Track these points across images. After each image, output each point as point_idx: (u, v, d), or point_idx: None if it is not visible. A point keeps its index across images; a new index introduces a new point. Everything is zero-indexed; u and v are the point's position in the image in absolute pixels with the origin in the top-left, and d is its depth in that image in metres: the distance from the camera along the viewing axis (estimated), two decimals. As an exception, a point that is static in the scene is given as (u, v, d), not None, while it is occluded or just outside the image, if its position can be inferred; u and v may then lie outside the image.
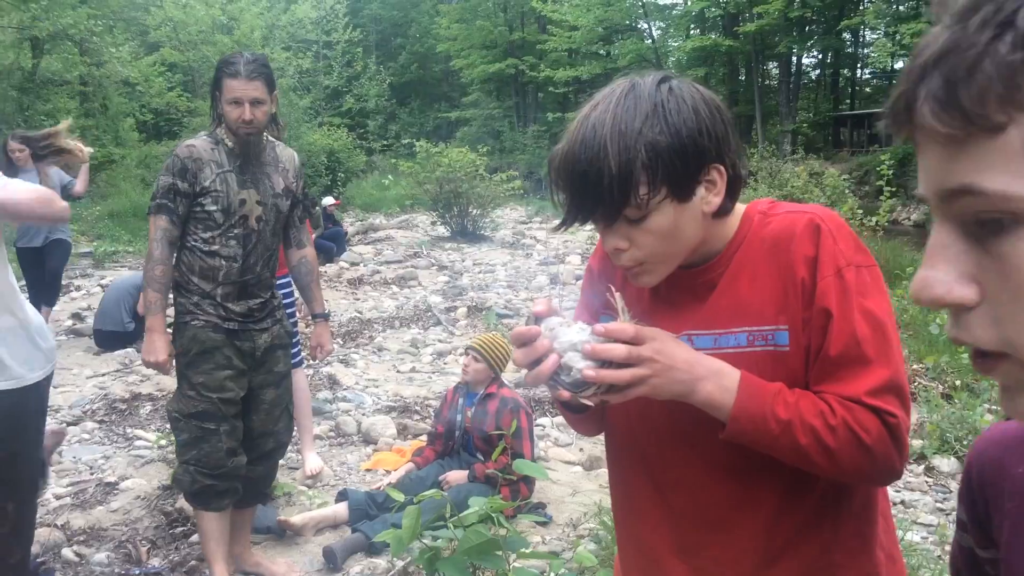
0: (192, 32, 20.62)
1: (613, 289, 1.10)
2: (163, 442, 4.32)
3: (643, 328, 1.03)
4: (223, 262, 2.81)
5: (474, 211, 14.48)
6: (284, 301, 3.24)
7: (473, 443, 3.70)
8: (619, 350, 1.00)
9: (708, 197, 1.07)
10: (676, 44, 37.57)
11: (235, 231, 2.81)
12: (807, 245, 1.07)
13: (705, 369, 1.04)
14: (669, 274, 1.14)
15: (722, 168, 1.07)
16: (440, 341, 6.95)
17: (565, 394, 1.03)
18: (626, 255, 1.09)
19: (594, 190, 1.02)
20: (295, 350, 3.85)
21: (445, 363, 6.26)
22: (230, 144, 2.80)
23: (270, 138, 2.94)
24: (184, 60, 21.50)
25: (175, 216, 2.78)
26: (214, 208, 2.78)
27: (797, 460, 1.04)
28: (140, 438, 4.61)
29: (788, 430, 1.01)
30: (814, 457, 1.03)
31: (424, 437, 4.21)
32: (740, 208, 1.17)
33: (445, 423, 3.79)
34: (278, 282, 3.17)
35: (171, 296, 2.86)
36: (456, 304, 8.38)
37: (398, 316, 7.92)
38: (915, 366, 5.98)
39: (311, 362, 5.33)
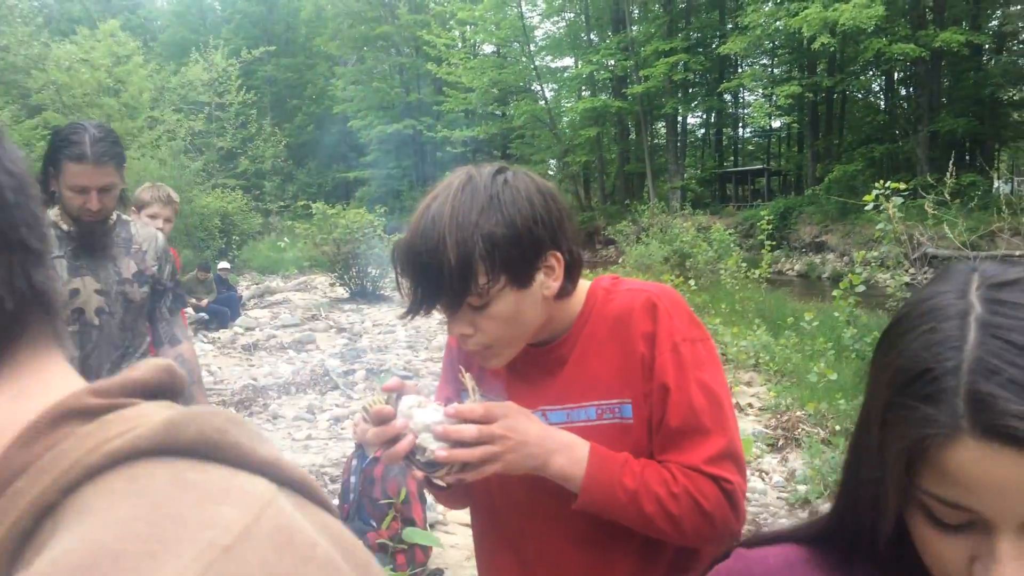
0: (77, 95, 20.00)
1: (463, 369, 1.15)
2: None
3: (493, 406, 1.06)
4: None
5: (373, 271, 14.43)
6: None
7: (366, 510, 3.66)
8: (469, 431, 1.03)
9: (547, 282, 1.11)
10: (568, 104, 38.80)
11: (68, 328, 2.28)
12: (645, 322, 1.14)
13: (556, 443, 1.08)
14: (523, 352, 1.19)
15: (559, 254, 1.11)
16: (338, 406, 6.85)
17: (419, 474, 1.07)
18: (472, 340, 1.12)
19: (436, 280, 1.05)
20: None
21: (342, 428, 6.17)
22: (64, 227, 2.38)
23: (123, 216, 2.58)
24: (67, 123, 20.78)
25: None
26: None
27: (644, 527, 1.09)
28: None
29: (635, 499, 1.06)
30: (659, 523, 1.08)
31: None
32: (585, 285, 1.22)
33: (341, 489, 3.75)
34: None
35: None
36: (355, 367, 8.29)
37: (294, 381, 7.77)
38: (798, 412, 6.25)
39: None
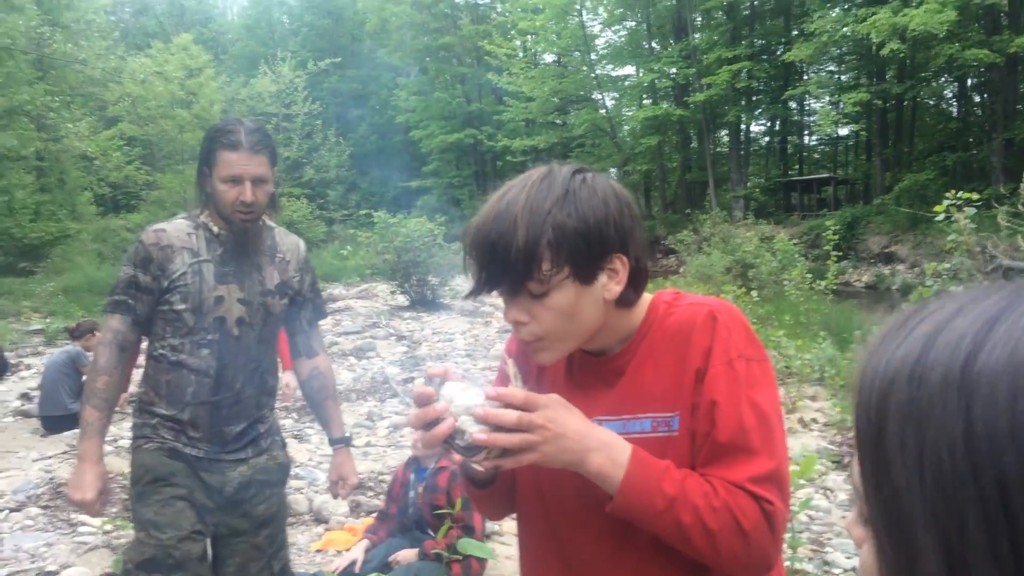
0: (151, 107, 20.73)
1: (506, 357, 1.15)
2: (108, 527, 4.23)
3: (534, 395, 1.06)
4: (192, 376, 2.25)
5: (433, 280, 14.54)
6: None
7: (424, 519, 3.68)
8: (509, 415, 1.03)
9: (609, 285, 1.13)
10: (629, 113, 38.60)
11: (208, 337, 2.25)
12: (704, 336, 1.13)
13: (596, 440, 1.07)
14: (582, 360, 1.20)
15: (625, 259, 1.13)
16: (397, 414, 6.93)
17: (457, 457, 1.06)
18: (525, 329, 1.13)
19: (501, 261, 1.07)
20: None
21: (401, 436, 6.23)
22: (215, 230, 2.30)
23: (268, 223, 2.44)
24: (143, 134, 21.57)
25: (133, 316, 2.27)
26: (183, 307, 2.23)
27: (678, 539, 1.07)
28: (85, 523, 4.51)
29: (673, 507, 1.04)
30: (694, 537, 1.05)
31: (376, 514, 4.18)
32: (647, 298, 1.22)
33: (398, 502, 3.77)
34: None
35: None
36: (414, 375, 8.38)
37: (354, 388, 7.89)
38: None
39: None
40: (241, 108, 24.17)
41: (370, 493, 4.93)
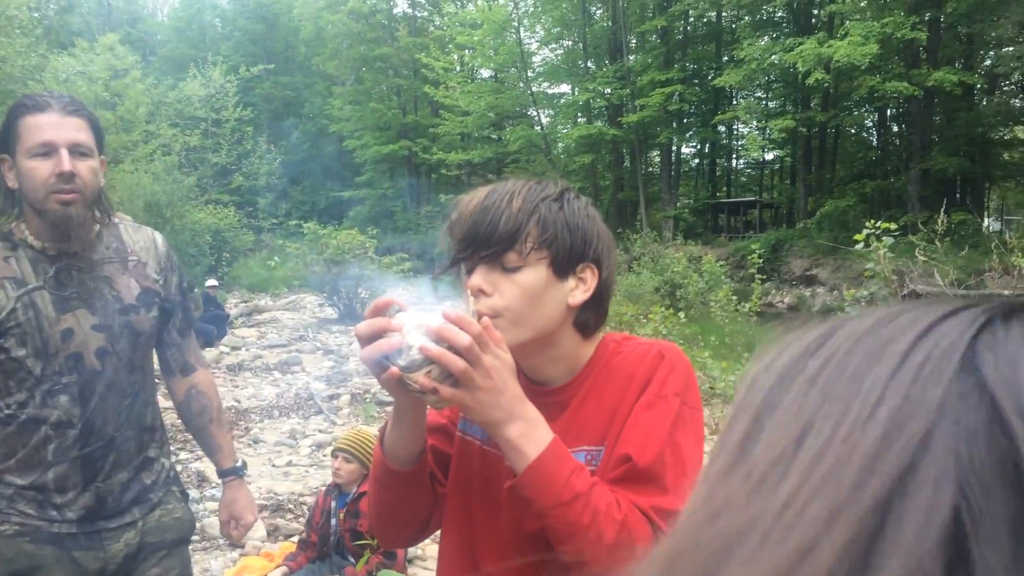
0: (72, 107, 19.99)
1: (469, 294, 1.12)
2: None
3: (490, 334, 1.03)
4: (50, 432, 1.78)
5: (363, 293, 14.38)
6: None
7: (345, 546, 3.60)
8: (463, 337, 0.99)
9: (576, 291, 1.16)
10: (564, 131, 39.00)
11: (63, 380, 1.78)
12: (646, 370, 1.15)
13: (525, 412, 1.05)
14: (528, 390, 1.17)
15: (596, 272, 1.17)
16: (321, 431, 6.78)
17: (395, 371, 1.01)
18: (486, 301, 1.12)
19: (490, 226, 1.11)
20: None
21: (324, 455, 6.10)
22: (37, 244, 1.78)
23: (112, 217, 1.93)
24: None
25: None
26: (21, 352, 1.75)
27: (566, 535, 1.03)
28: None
29: (575, 502, 1.02)
30: (584, 539, 1.02)
31: (295, 539, 4.07)
32: (597, 337, 1.24)
33: (318, 530, 3.68)
34: None
35: None
36: (340, 391, 8.23)
37: (278, 405, 7.70)
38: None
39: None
40: (168, 111, 23.52)
41: (289, 516, 4.80)
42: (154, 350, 2.05)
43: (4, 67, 19.64)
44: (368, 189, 40.27)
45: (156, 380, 2.09)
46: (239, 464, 2.21)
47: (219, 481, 2.18)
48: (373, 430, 6.16)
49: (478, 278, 1.13)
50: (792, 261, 26.89)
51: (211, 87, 26.25)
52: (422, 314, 1.03)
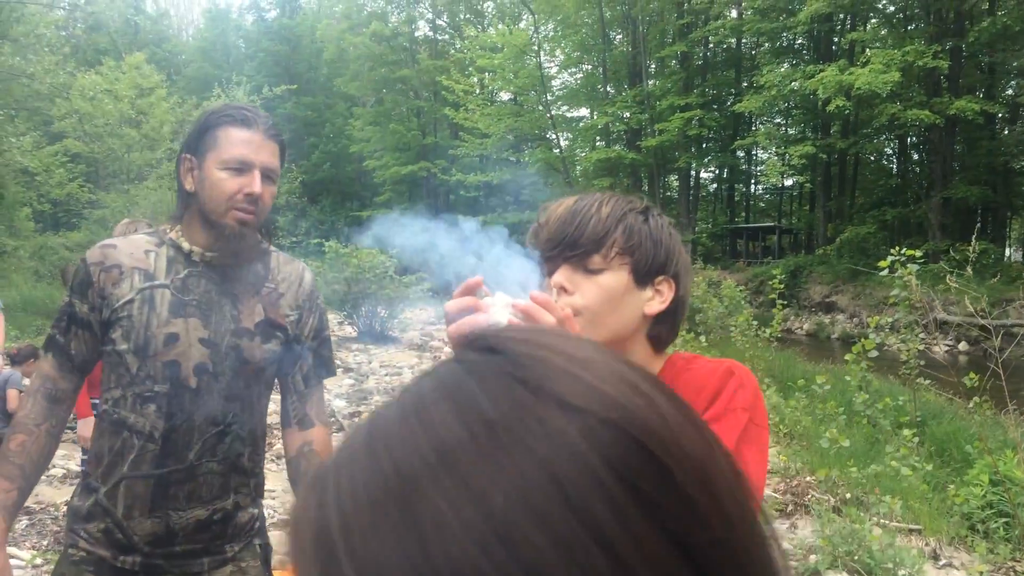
0: (99, 124, 20.32)
1: (552, 288, 1.16)
2: (39, 560, 4.04)
3: (572, 324, 1.05)
4: (134, 440, 1.68)
5: (382, 312, 14.43)
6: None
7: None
8: (549, 318, 1.01)
9: (653, 301, 1.20)
10: (583, 154, 39.13)
11: (155, 388, 1.68)
12: (716, 383, 1.16)
13: None
14: None
15: (674, 285, 1.21)
16: (342, 448, 6.79)
17: None
18: (566, 298, 1.16)
19: (579, 227, 1.17)
20: None
21: (346, 472, 6.11)
22: (187, 248, 1.74)
23: (267, 245, 1.88)
24: (89, 151, 21.12)
25: (65, 357, 1.75)
26: (124, 346, 1.68)
27: None
28: (14, 556, 4.29)
29: None
30: None
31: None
32: (666, 354, 1.26)
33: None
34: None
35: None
36: (360, 409, 8.25)
37: (299, 421, 7.73)
38: (808, 478, 6.17)
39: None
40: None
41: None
42: (274, 392, 1.92)
43: (33, 84, 19.98)
44: (387, 209, 40.50)
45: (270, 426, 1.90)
46: None
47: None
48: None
49: (561, 276, 1.18)
50: (811, 287, 26.76)
51: (234, 106, 26.60)
52: (508, 297, 1.05)
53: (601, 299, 1.16)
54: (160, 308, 1.69)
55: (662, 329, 1.23)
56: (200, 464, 1.72)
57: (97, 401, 2.06)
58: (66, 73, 21.00)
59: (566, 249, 1.17)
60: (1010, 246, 33.49)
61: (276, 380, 1.90)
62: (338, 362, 11.40)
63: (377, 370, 11.03)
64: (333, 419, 7.74)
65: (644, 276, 1.19)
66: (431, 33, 46.32)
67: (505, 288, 1.11)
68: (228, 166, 1.67)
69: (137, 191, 18.44)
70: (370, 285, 13.98)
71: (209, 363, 1.71)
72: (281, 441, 1.94)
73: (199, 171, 1.70)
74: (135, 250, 1.74)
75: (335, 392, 9.19)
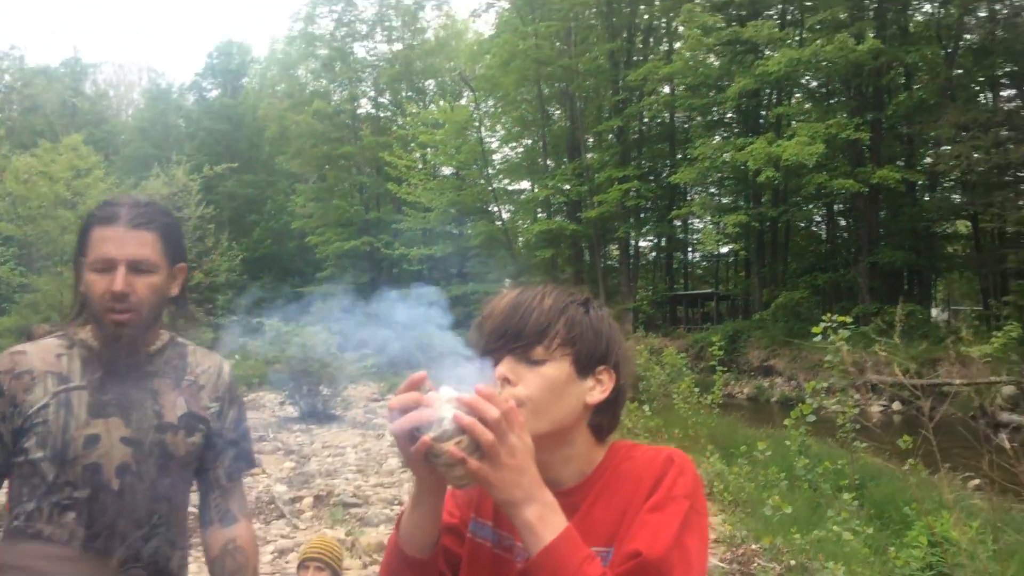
0: (33, 207, 19.94)
1: (498, 378, 1.17)
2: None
3: (515, 419, 1.06)
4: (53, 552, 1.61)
5: (325, 390, 14.22)
6: None
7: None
8: (492, 410, 1.03)
9: (594, 391, 1.22)
10: (525, 226, 39.67)
11: (74, 494, 1.61)
12: (656, 471, 1.18)
13: (543, 496, 1.08)
14: None
15: (615, 376, 1.24)
16: (283, 536, 6.60)
17: (426, 440, 1.03)
18: (510, 390, 1.17)
19: (521, 320, 1.20)
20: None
21: (287, 562, 5.93)
22: (92, 344, 1.71)
23: (178, 339, 1.85)
24: (21, 234, 20.65)
25: None
26: (39, 454, 1.62)
27: None
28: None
29: None
30: None
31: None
32: (608, 443, 1.29)
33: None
34: None
35: None
36: (302, 493, 8.05)
37: (239, 508, 7.50)
38: (753, 546, 6.21)
39: None
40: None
41: (252, 625, 4.63)
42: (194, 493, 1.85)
43: (-36, 167, 19.61)
44: (330, 285, 40.24)
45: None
46: None
47: None
48: (340, 534, 6.04)
49: (504, 368, 1.19)
50: (750, 352, 27.26)
51: (174, 185, 26.38)
52: (453, 391, 1.06)
53: (544, 389, 1.18)
54: (78, 410, 1.64)
55: (603, 418, 1.25)
56: (124, 572, 1.64)
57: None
58: (1, 156, 20.69)
59: (510, 341, 1.20)
60: (936, 307, 34.75)
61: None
62: (279, 444, 11.17)
63: (319, 451, 10.82)
64: (273, 505, 7.55)
65: (585, 366, 1.21)
66: (373, 110, 46.98)
67: (451, 373, 1.13)
68: (94, 268, 1.65)
69: (71, 274, 18.01)
70: (312, 364, 13.79)
71: (132, 462, 1.66)
72: (204, 544, 1.84)
73: (83, 274, 1.69)
74: (46, 354, 1.69)
75: (275, 476, 8.98)
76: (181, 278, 1.78)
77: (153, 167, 26.64)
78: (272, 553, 6.16)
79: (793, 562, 5.87)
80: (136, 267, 1.65)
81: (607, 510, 1.20)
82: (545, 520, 1.07)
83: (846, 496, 6.98)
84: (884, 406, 18.24)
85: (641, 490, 1.17)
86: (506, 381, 1.18)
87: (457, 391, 1.06)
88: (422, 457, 1.05)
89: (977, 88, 28.13)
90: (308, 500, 7.73)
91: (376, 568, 5.69)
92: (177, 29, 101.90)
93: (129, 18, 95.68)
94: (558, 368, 1.19)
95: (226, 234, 34.34)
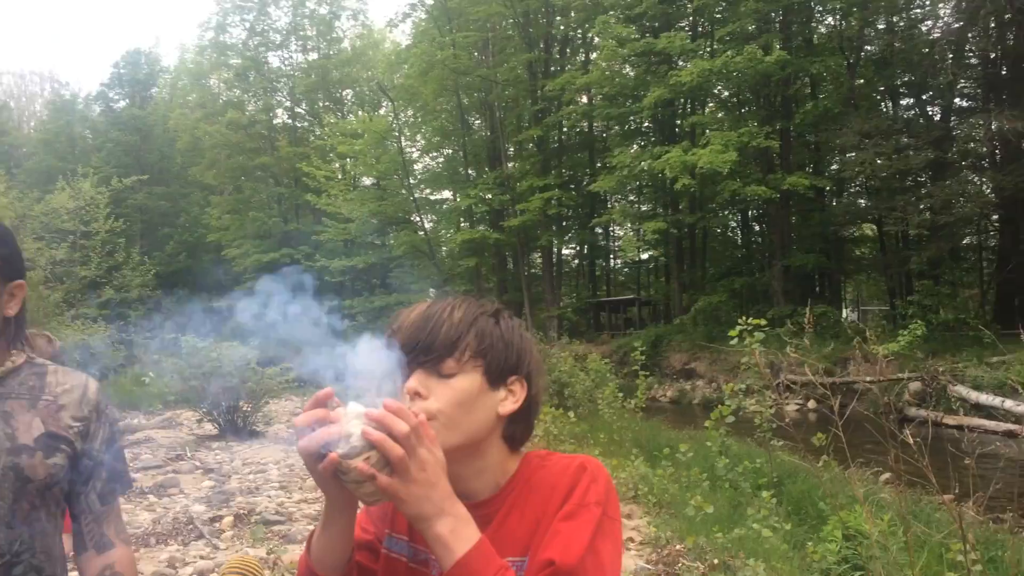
0: (-75, 221, 18.89)
1: (405, 393, 1.15)
2: None
3: (426, 426, 1.05)
4: None
5: (245, 407, 13.86)
6: None
7: None
8: (401, 425, 1.01)
9: (506, 401, 1.22)
10: (448, 235, 39.63)
11: None
12: (569, 480, 1.19)
13: (454, 509, 1.07)
14: None
15: (526, 386, 1.24)
16: (202, 558, 6.39)
17: (334, 457, 1.01)
18: (421, 403, 1.15)
19: (431, 333, 1.19)
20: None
21: (206, 584, 5.75)
22: None
23: (36, 359, 1.80)
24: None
25: None
26: None
27: None
28: None
29: None
30: None
31: None
32: (521, 453, 1.28)
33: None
34: None
35: None
36: (222, 512, 7.81)
37: (154, 531, 7.22)
38: (677, 546, 6.31)
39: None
40: (35, 224, 22.57)
41: (170, 653, 4.47)
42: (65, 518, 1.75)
43: None
44: (248, 299, 39.36)
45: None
46: None
47: None
48: (261, 553, 5.88)
49: (415, 382, 1.18)
50: (672, 356, 27.81)
51: (80, 199, 25.39)
52: (361, 407, 1.04)
53: (455, 402, 1.17)
54: None
55: (516, 428, 1.25)
56: None
57: None
58: None
59: (420, 354, 1.18)
60: (846, 307, 36.14)
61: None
62: (197, 463, 10.83)
63: (240, 468, 10.52)
64: (191, 526, 7.31)
65: (497, 377, 1.21)
66: (290, 120, 46.21)
67: (359, 385, 1.12)
68: None
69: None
70: (231, 379, 13.43)
71: None
72: (79, 570, 1.75)
73: None
74: None
75: (193, 496, 8.70)
76: (20, 295, 1.68)
77: (58, 180, 25.60)
78: (192, 575, 5.96)
79: (716, 560, 5.99)
80: None
81: (521, 520, 1.20)
82: (457, 533, 1.06)
83: (765, 494, 7.17)
84: (799, 404, 18.84)
85: (555, 499, 1.18)
86: (416, 395, 1.17)
87: (365, 407, 1.04)
88: (331, 475, 1.03)
89: (878, 97, 29.44)
90: (228, 519, 7.51)
91: (300, 586, 5.56)
92: (81, 38, 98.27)
93: (30, 26, 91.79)
94: (469, 380, 1.18)
95: (137, 248, 33.25)
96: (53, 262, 21.92)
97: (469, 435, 1.19)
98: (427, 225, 40.24)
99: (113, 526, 1.76)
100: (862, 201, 29.52)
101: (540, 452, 1.29)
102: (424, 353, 1.18)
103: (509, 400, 1.22)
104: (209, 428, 13.92)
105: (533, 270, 38.21)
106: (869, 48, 28.35)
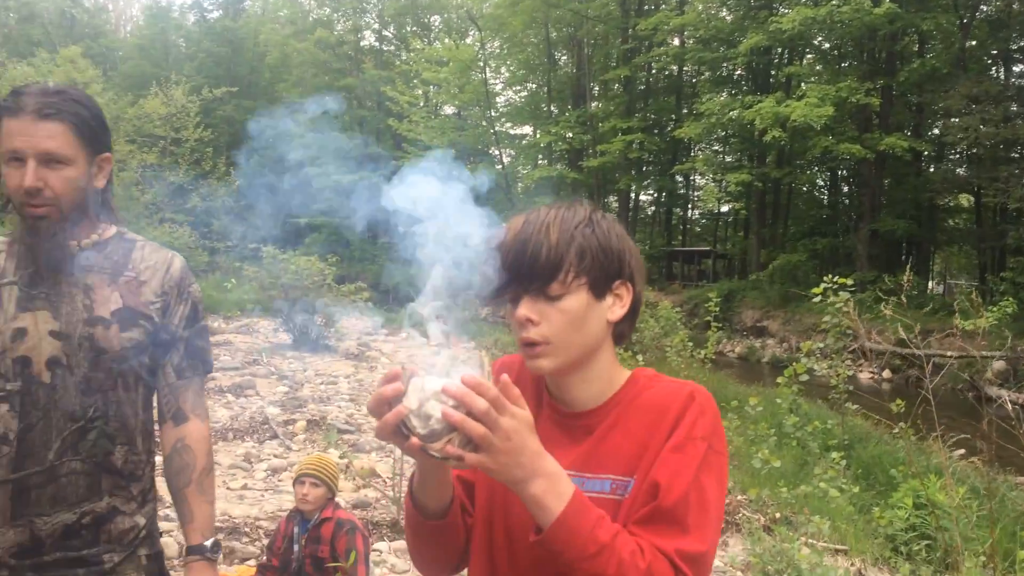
0: (28, 116, 19.62)
1: (483, 356, 1.12)
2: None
3: (504, 398, 1.03)
4: None
5: (319, 320, 14.19)
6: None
7: (307, 572, 3.52)
8: (480, 402, 1.00)
9: (615, 307, 1.22)
10: (525, 171, 39.41)
11: (6, 387, 1.62)
12: (677, 408, 1.17)
13: (546, 468, 1.06)
14: (554, 412, 1.23)
15: (631, 287, 1.23)
16: (276, 456, 6.64)
17: (415, 442, 1.01)
18: (535, 330, 1.17)
19: (531, 260, 1.16)
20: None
21: (280, 480, 5.97)
22: (28, 240, 1.69)
23: (126, 234, 1.81)
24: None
25: None
26: None
27: None
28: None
29: (601, 553, 1.04)
30: None
31: (252, 562, 3.96)
32: (627, 371, 1.27)
33: (279, 556, 3.59)
34: None
35: None
36: (295, 417, 8.08)
37: (232, 427, 7.53)
38: (739, 497, 6.27)
39: None
40: (127, 127, 23.24)
41: (245, 539, 4.68)
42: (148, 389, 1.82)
43: (-40, 71, 19.24)
44: (326, 217, 40.07)
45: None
46: (209, 543, 1.80)
47: (172, 502, 1.87)
48: (335, 456, 6.06)
49: (524, 309, 1.18)
50: (744, 312, 27.37)
51: (172, 106, 25.99)
52: (436, 380, 1.03)
53: (568, 324, 1.17)
54: (7, 305, 1.64)
55: (624, 327, 1.25)
56: (61, 464, 1.63)
57: None
58: (-5, 62, 20.30)
59: (523, 282, 1.17)
60: (932, 279, 34.87)
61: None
62: (272, 369, 11.19)
63: (312, 378, 10.84)
64: (267, 426, 7.58)
65: (603, 288, 1.20)
66: (377, 43, 46.17)
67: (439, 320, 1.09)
68: (7, 159, 1.61)
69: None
70: (307, 292, 13.75)
71: (62, 356, 1.64)
72: (160, 442, 1.83)
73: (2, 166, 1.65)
74: None
75: (268, 399, 9.01)
76: (107, 168, 1.72)
77: (151, 85, 26.18)
78: (266, 471, 6.20)
79: (778, 514, 5.94)
80: (47, 159, 1.60)
81: (625, 438, 1.19)
82: (551, 492, 1.06)
83: (834, 455, 7.06)
84: (874, 373, 18.39)
85: (663, 426, 1.17)
86: (528, 321, 1.17)
87: (441, 382, 1.02)
88: (417, 452, 1.03)
89: (989, 61, 27.81)
90: (301, 423, 7.77)
91: (368, 492, 5.74)
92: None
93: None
94: (576, 299, 1.18)
95: (224, 159, 33.97)
96: (144, 165, 22.56)
97: (584, 349, 1.20)
98: (505, 159, 40.04)
99: (190, 401, 1.82)
100: (962, 169, 28.15)
101: (648, 372, 1.28)
102: (528, 280, 1.17)
103: (617, 306, 1.22)
104: (284, 338, 14.33)
105: (608, 213, 37.83)
106: (985, 8, 26.65)
